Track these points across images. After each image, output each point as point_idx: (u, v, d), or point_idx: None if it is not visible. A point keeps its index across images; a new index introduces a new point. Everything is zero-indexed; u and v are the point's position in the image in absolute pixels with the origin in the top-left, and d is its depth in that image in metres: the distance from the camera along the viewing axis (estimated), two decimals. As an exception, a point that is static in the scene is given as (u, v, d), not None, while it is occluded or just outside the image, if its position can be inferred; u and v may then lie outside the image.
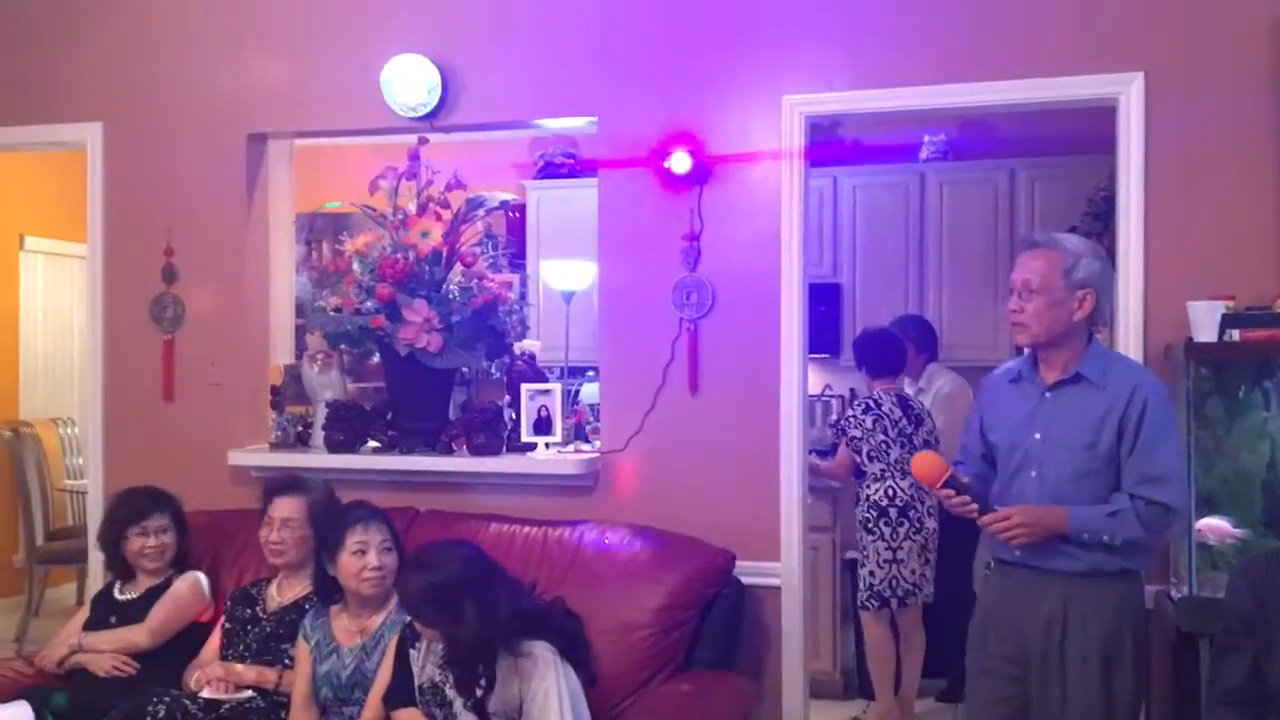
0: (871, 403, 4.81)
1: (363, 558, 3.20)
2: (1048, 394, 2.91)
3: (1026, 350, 3.03)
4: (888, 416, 4.76)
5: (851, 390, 6.22)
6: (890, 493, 4.71)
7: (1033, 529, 2.80)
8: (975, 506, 2.86)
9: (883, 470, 4.73)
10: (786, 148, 3.77)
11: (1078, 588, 2.82)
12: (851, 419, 4.83)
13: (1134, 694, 2.85)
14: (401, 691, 3.04)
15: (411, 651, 3.05)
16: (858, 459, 4.78)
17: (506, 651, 2.90)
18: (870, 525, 4.73)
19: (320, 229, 7.06)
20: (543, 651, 2.91)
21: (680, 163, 3.79)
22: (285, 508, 3.50)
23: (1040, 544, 2.83)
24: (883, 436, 4.73)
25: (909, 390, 5.10)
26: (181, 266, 4.35)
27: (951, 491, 2.86)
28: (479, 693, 2.86)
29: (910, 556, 4.70)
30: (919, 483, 3.24)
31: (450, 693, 2.94)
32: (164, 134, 4.38)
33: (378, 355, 4.10)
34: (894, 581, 4.69)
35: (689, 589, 3.43)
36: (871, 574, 4.72)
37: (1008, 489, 2.95)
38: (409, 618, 3.03)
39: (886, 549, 4.69)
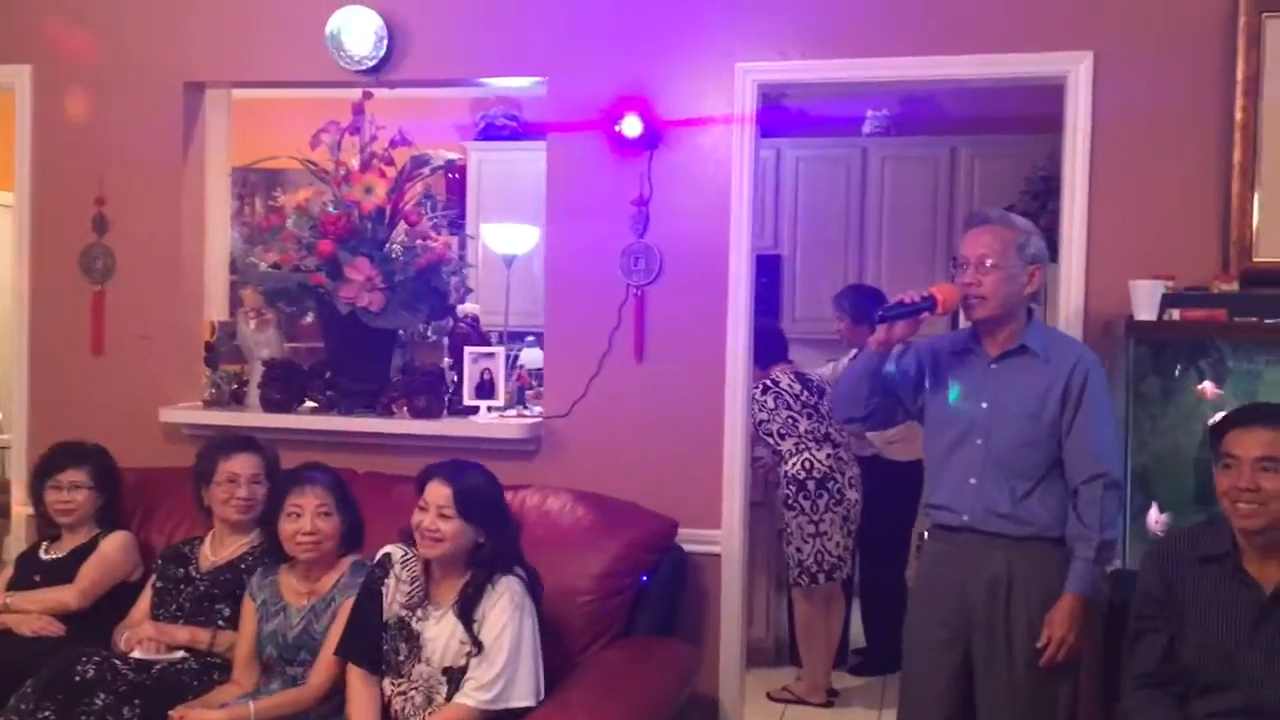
0: (769, 382, 4.83)
1: (297, 521, 3.15)
2: (993, 365, 2.95)
3: (963, 325, 3.06)
4: (787, 392, 4.81)
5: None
6: (808, 465, 4.69)
7: (1070, 625, 2.81)
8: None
9: (796, 444, 4.73)
10: (738, 113, 3.75)
11: (1019, 551, 2.88)
12: (754, 403, 4.69)
13: (1076, 658, 2.89)
14: (357, 647, 2.98)
15: (383, 588, 3.00)
16: (770, 440, 4.77)
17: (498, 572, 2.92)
18: (790, 501, 4.70)
19: (253, 184, 6.91)
20: (517, 585, 2.92)
21: (632, 126, 3.75)
22: (250, 464, 3.43)
23: (981, 510, 2.88)
24: (787, 412, 4.77)
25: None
26: (113, 216, 4.23)
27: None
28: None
29: (833, 529, 4.67)
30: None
31: (418, 626, 2.93)
32: (97, 79, 4.24)
33: (313, 315, 4.02)
34: (819, 556, 4.67)
35: (630, 555, 3.43)
36: (798, 550, 4.69)
37: (950, 458, 2.98)
38: (379, 555, 3.02)
39: (809, 523, 4.66)
